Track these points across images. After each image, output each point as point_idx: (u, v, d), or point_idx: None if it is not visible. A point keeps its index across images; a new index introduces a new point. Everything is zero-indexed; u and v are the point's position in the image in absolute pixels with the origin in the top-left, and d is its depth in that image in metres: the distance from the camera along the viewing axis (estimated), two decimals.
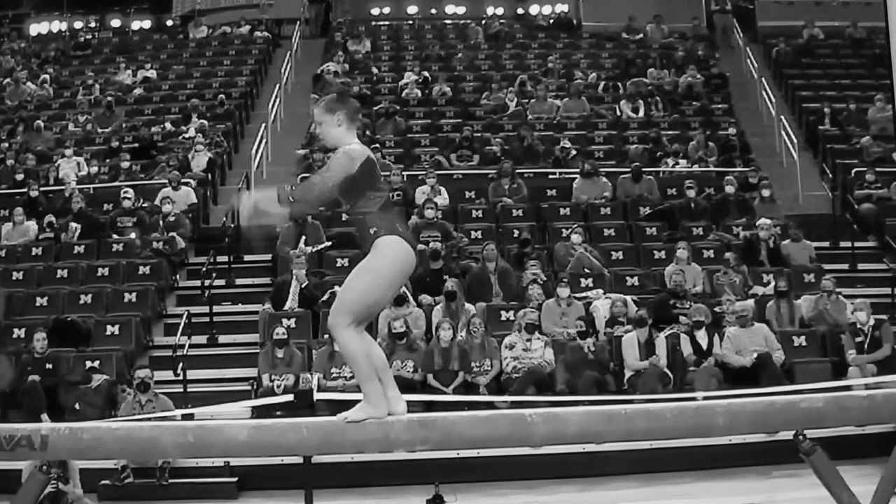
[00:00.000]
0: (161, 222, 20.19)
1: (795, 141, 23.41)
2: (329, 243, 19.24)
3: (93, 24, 35.74)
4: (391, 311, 16.65)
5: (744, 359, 15.94)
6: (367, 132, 24.23)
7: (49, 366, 16.09)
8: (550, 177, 22.89)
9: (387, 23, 35.38)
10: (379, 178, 6.60)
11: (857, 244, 20.33)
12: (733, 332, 16.30)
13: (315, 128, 6.79)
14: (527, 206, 21.18)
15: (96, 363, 16.35)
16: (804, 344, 16.81)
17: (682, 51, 29.20)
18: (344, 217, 20.23)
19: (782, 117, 24.62)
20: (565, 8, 34.81)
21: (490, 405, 14.45)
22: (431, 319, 16.93)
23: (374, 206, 6.54)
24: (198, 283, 18.88)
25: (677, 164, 22.99)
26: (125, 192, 20.71)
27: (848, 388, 14.16)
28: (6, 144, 24.77)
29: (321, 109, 6.72)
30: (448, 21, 35.44)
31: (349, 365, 6.78)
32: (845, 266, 19.83)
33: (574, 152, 23.30)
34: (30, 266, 19.19)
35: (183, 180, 21.56)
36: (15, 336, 17.21)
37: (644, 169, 22.00)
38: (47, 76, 29.20)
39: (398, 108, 25.84)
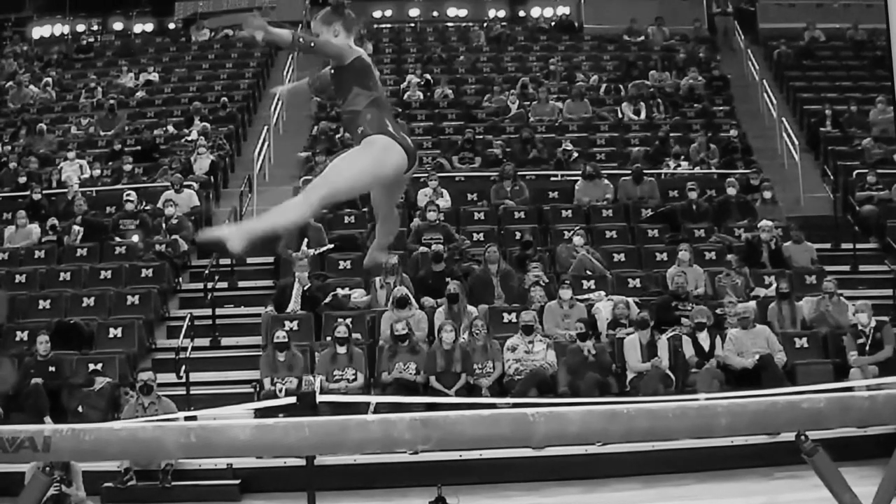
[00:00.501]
0: (163, 225, 20.20)
1: (797, 143, 23.40)
2: (331, 246, 19.25)
3: (95, 28, 35.80)
4: (393, 313, 16.68)
5: (745, 360, 15.94)
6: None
7: (52, 368, 16.10)
8: (552, 179, 22.90)
9: (388, 25, 35.44)
10: (370, 78, 6.53)
11: (858, 246, 20.33)
12: (735, 333, 16.30)
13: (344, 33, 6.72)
14: (528, 208, 21.17)
15: (99, 366, 16.39)
16: (806, 345, 16.81)
17: (684, 53, 29.20)
18: (346, 220, 20.39)
19: (783, 119, 24.62)
20: (567, 10, 34.84)
21: (492, 407, 14.44)
22: (434, 321, 16.92)
23: (360, 104, 6.50)
24: (200, 285, 18.90)
25: (679, 165, 22.99)
26: (128, 194, 20.70)
27: (850, 389, 14.17)
28: (9, 147, 24.81)
29: (318, 23, 6.71)
30: (450, 23, 35.48)
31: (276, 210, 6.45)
32: (847, 268, 19.84)
33: (576, 154, 23.32)
34: (32, 269, 19.22)
35: (185, 183, 21.57)
36: (18, 339, 17.23)
37: (645, 171, 22.00)
38: (50, 79, 29.23)
39: (400, 110, 25.83)
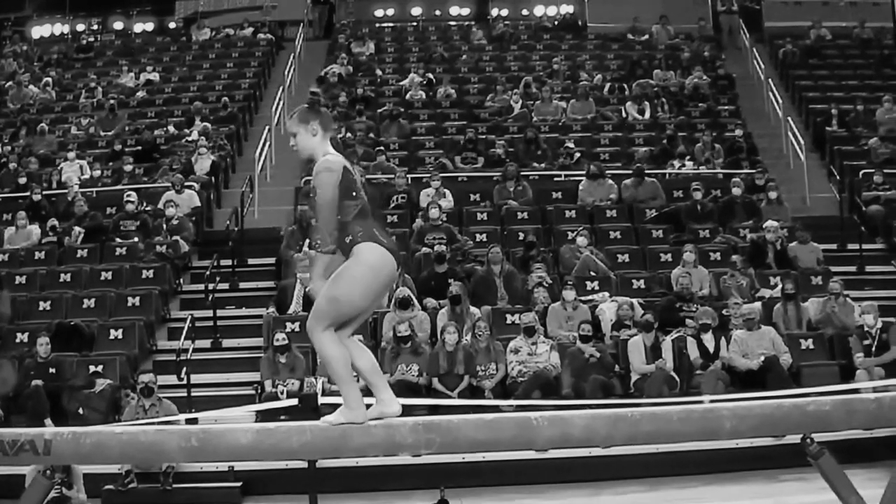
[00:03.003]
0: (164, 226, 20.14)
1: (802, 142, 23.34)
2: (333, 247, 19.11)
3: (95, 27, 35.82)
4: (396, 314, 16.59)
5: (751, 362, 15.85)
6: (371, 134, 24.20)
7: (52, 370, 16.02)
8: (556, 179, 22.80)
9: (390, 24, 35.43)
10: (354, 187, 6.62)
11: (864, 246, 20.21)
12: (740, 335, 16.21)
13: (290, 141, 6.82)
14: (532, 208, 21.07)
15: (100, 368, 16.32)
16: (811, 347, 16.72)
17: (689, 52, 29.13)
18: None
19: (789, 118, 24.53)
20: (570, 9, 34.78)
21: (495, 409, 14.39)
22: (436, 323, 16.85)
23: (349, 216, 6.60)
24: (201, 286, 18.80)
25: (683, 165, 22.88)
26: (128, 195, 20.64)
27: (856, 391, 14.10)
28: (9, 148, 24.74)
29: (295, 121, 6.76)
30: (452, 22, 35.41)
31: (326, 368, 6.86)
32: (853, 268, 19.73)
33: (578, 154, 23.21)
34: (33, 270, 19.14)
35: (186, 183, 21.49)
36: (18, 340, 17.12)
37: (650, 171, 21.92)
38: (50, 79, 29.19)
39: (402, 110, 25.80)
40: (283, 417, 13.79)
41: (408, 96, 27.04)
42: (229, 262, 19.65)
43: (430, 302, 17.45)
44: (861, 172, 22.29)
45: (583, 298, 17.38)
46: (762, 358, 15.83)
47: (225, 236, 20.39)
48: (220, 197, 23.20)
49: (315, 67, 29.25)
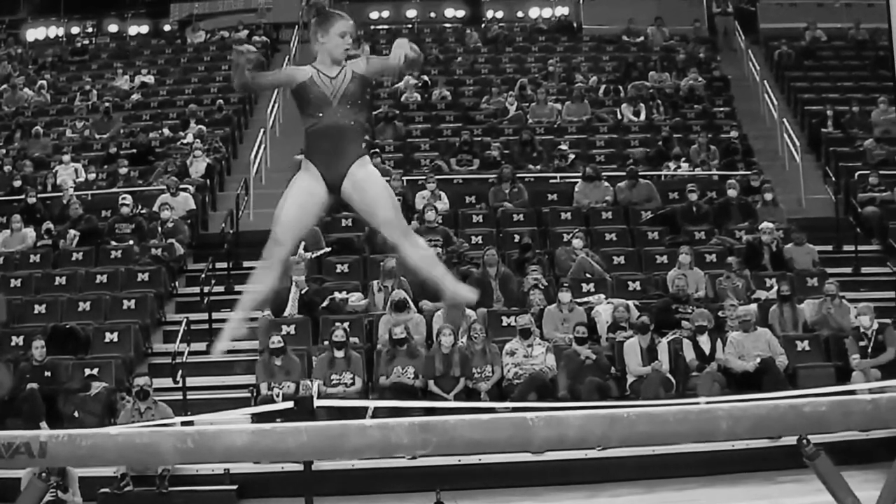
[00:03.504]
0: (159, 229, 20.13)
1: (798, 144, 23.31)
2: (328, 249, 19.15)
3: (90, 30, 35.73)
4: (392, 316, 16.57)
5: (747, 364, 15.82)
6: (366, 136, 24.18)
7: (48, 373, 16.00)
8: (551, 181, 22.78)
9: (385, 27, 35.34)
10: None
11: (860, 248, 20.24)
12: (736, 336, 16.19)
13: (320, 36, 6.49)
14: (527, 210, 21.06)
15: (95, 371, 16.29)
16: (807, 348, 16.71)
17: (684, 53, 29.13)
18: (343, 223, 20.22)
19: (785, 120, 24.52)
20: (565, 11, 34.75)
21: (491, 411, 14.35)
22: (432, 325, 16.83)
23: (364, 119, 6.70)
24: (197, 289, 18.79)
25: (679, 167, 22.87)
26: (123, 198, 20.64)
27: (852, 392, 14.08)
28: (3, 151, 24.73)
29: (337, 30, 6.52)
30: (447, 24, 35.38)
31: (432, 266, 6.70)
32: (849, 270, 19.75)
33: (572, 156, 23.20)
34: (28, 273, 19.10)
35: (181, 186, 21.49)
36: (13, 343, 17.14)
37: (645, 172, 21.92)
38: (44, 82, 29.18)
39: (397, 112, 25.76)
40: (279, 420, 13.75)
41: (403, 98, 27.03)
42: (224, 265, 19.62)
43: (426, 304, 17.42)
44: (856, 174, 22.36)
45: (578, 300, 17.38)
46: (758, 360, 15.80)
47: (220, 239, 20.38)
48: (216, 199, 23.19)
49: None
